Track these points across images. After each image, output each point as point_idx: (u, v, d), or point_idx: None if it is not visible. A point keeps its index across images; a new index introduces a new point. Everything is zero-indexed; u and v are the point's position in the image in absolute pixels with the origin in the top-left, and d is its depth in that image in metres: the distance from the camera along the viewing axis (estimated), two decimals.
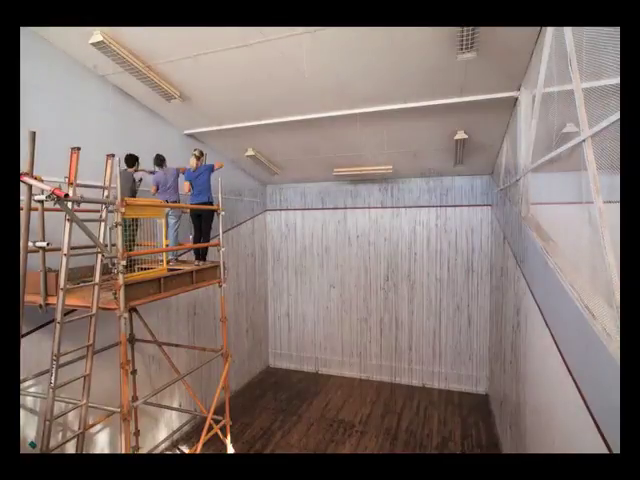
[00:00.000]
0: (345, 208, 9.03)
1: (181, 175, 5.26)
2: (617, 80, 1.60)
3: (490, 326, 7.85)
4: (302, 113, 5.47)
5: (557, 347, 2.68)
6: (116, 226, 3.36)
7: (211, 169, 5.14)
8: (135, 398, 5.07)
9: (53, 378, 3.10)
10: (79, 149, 3.18)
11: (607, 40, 1.74)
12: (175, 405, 6.24)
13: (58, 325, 3.11)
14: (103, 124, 4.92)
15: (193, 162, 5.14)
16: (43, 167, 3.84)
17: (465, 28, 3.23)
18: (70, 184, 3.13)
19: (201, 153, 5.18)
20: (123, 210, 3.36)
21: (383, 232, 8.77)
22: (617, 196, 1.61)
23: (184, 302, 6.54)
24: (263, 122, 5.73)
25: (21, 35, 3.24)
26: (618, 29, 1.53)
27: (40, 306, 3.47)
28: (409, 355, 8.66)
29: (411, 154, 6.90)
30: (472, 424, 6.87)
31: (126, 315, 3.44)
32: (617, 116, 1.64)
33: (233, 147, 7.01)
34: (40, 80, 4.11)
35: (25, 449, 3.85)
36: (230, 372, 6.18)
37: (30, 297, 3.40)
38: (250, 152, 6.97)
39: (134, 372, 5.24)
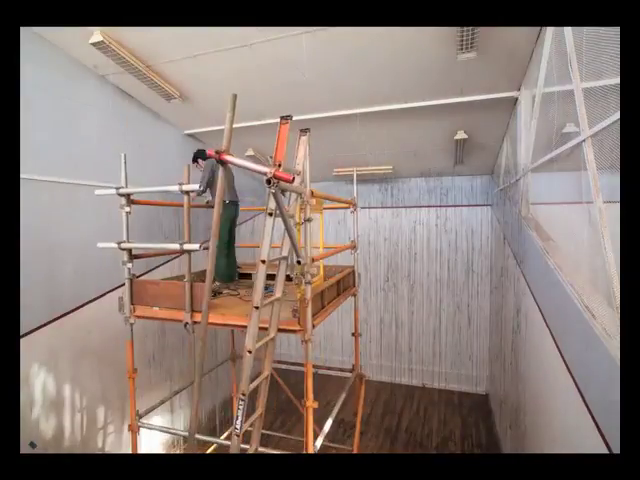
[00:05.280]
0: (345, 208, 9.01)
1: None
2: (617, 80, 1.60)
3: (490, 326, 7.85)
4: (302, 113, 5.46)
5: (557, 347, 2.68)
6: (304, 223, 2.62)
7: None
8: None
9: (239, 422, 2.48)
10: (290, 117, 2.70)
11: (607, 40, 1.74)
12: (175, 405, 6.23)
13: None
14: (103, 124, 4.91)
15: None
16: (43, 167, 3.86)
17: (465, 28, 3.22)
18: (278, 165, 2.54)
19: None
20: (314, 202, 2.65)
21: (383, 232, 8.76)
22: (617, 196, 1.61)
23: None
24: (263, 122, 5.73)
25: (21, 35, 3.25)
26: (618, 29, 1.53)
27: (185, 324, 2.97)
28: (409, 355, 8.66)
29: (411, 154, 6.90)
30: (472, 424, 6.87)
31: (311, 338, 2.63)
32: (617, 116, 1.64)
33: (233, 147, 6.91)
34: (40, 80, 4.11)
35: (25, 449, 3.85)
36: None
37: (172, 313, 3.00)
38: (250, 152, 6.96)
39: None
